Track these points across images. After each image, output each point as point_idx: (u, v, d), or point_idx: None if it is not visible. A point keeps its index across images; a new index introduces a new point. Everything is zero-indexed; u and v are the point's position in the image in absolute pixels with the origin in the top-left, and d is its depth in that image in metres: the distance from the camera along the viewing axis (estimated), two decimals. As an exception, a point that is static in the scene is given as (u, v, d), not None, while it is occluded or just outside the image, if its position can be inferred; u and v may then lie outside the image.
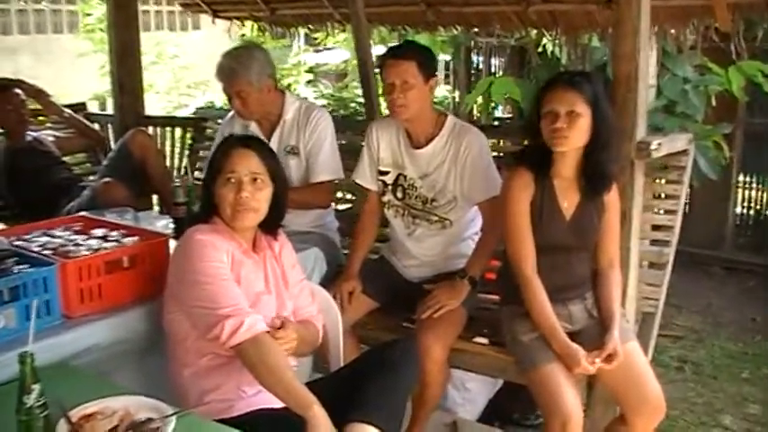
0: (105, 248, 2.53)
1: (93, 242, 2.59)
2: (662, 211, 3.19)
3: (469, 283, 2.96)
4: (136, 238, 2.62)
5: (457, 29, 5.27)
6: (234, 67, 3.22)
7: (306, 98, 12.23)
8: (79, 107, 5.68)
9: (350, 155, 3.46)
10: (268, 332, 2.18)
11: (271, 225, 2.43)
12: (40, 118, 5.12)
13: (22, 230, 2.78)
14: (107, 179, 4.17)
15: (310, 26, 6.10)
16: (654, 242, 3.17)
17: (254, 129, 3.40)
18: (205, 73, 12.56)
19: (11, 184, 4.48)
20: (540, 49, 5.69)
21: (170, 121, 5.41)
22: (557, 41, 4.90)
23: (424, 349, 2.75)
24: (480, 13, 4.73)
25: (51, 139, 4.77)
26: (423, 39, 5.99)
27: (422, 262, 3.18)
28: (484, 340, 2.98)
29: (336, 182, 3.49)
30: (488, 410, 3.82)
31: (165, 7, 14.73)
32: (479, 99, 7.01)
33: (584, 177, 2.66)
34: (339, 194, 4.42)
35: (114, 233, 2.68)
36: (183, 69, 11.82)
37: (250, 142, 2.39)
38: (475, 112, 9.09)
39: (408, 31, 5.70)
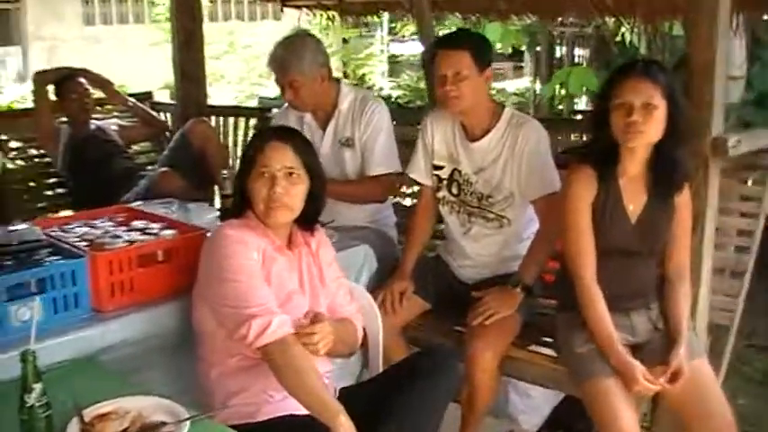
0: (141, 241, 2.48)
1: (131, 234, 2.55)
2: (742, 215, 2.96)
3: (522, 290, 2.80)
4: (174, 231, 2.57)
5: (530, 17, 5.09)
6: (285, 56, 3.14)
7: (367, 88, 12.28)
8: (145, 96, 5.73)
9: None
10: (297, 333, 2.08)
11: (307, 221, 2.33)
12: (107, 107, 5.16)
13: (64, 220, 2.77)
14: (164, 169, 4.17)
15: (380, 15, 6.00)
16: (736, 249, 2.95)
17: (308, 120, 3.33)
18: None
19: (73, 173, 4.54)
20: (618, 38, 5.45)
21: (233, 111, 5.39)
22: (635, 30, 4.67)
23: (472, 357, 2.64)
24: (554, 0, 4.54)
25: (115, 128, 4.80)
26: (494, 28, 5.82)
27: (477, 262, 3.04)
28: (543, 349, 2.82)
29: (395, 175, 3.37)
30: (551, 419, 3.64)
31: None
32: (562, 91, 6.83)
33: (654, 176, 2.46)
34: (410, 190, 4.30)
35: (155, 225, 2.63)
36: (255, 59, 11.91)
37: (286, 135, 2.28)
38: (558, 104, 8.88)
39: (480, 20, 5.54)
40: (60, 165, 4.59)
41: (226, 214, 2.58)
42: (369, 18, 6.45)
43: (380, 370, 2.55)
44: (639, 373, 2.34)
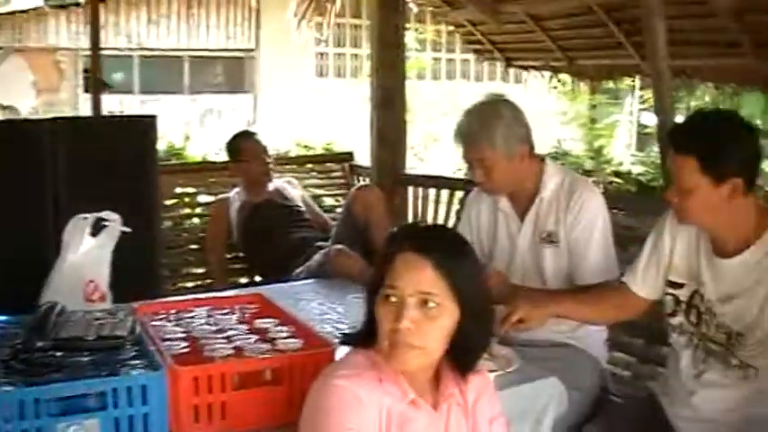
0: (251, 350, 2.03)
1: (248, 338, 2.11)
2: None
3: None
4: (298, 343, 2.08)
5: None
6: (474, 128, 2.61)
7: (604, 162, 11.25)
8: (345, 157, 5.48)
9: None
10: None
11: (460, 364, 1.73)
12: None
13: (185, 305, 2.42)
14: (339, 246, 3.75)
15: (617, 80, 5.41)
16: None
17: (504, 206, 2.77)
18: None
19: (246, 242, 4.31)
20: None
21: (433, 182, 4.87)
22: None
23: None
24: None
25: (298, 190, 4.51)
26: (755, 99, 5.02)
27: (705, 418, 2.28)
28: None
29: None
30: None
31: (457, 55, 14.62)
32: None
33: None
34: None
35: (282, 329, 2.18)
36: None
37: (427, 243, 1.66)
38: None
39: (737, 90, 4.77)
40: (234, 234, 4.32)
41: (349, 340, 1.88)
42: (618, 83, 5.87)
43: None
44: None
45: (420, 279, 1.59)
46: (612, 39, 4.85)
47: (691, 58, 4.46)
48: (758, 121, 7.80)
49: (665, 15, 3.70)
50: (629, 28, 4.60)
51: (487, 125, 2.59)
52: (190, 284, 4.63)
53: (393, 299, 1.60)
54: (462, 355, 1.68)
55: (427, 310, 1.59)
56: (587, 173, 11.12)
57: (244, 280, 4.52)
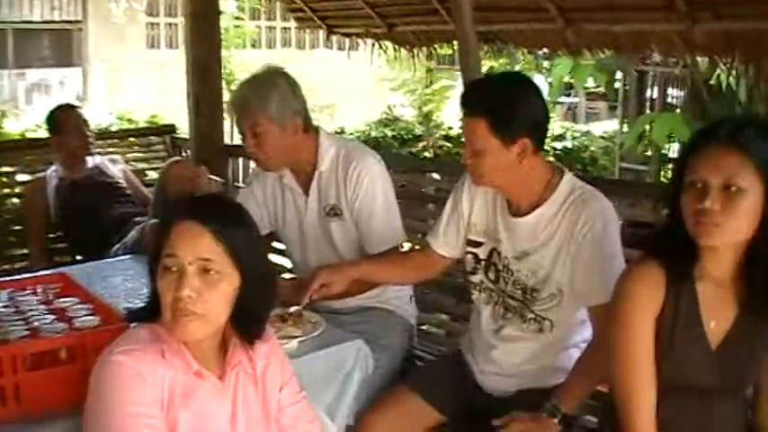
0: (46, 331, 1.97)
1: (45, 318, 2.05)
2: None
3: (561, 423, 2.14)
4: (95, 320, 2.04)
5: (604, 52, 4.45)
6: (248, 97, 2.59)
7: (434, 126, 11.40)
8: (167, 129, 5.37)
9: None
10: None
11: (246, 332, 1.74)
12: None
13: None
14: (155, 221, 3.68)
15: (434, 46, 5.49)
16: None
17: (288, 181, 2.78)
18: (333, 95, 12.20)
19: (65, 220, 4.13)
20: (713, 81, 4.76)
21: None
22: (733, 72, 3.98)
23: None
24: (633, 33, 3.94)
25: (121, 165, 4.39)
26: (565, 63, 5.24)
27: (505, 371, 2.40)
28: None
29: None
30: None
31: (292, 24, 14.56)
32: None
33: (747, 283, 1.80)
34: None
35: (82, 307, 2.13)
36: (309, 91, 11.49)
37: (205, 211, 1.66)
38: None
39: (549, 54, 4.96)
40: (53, 213, 4.15)
41: (133, 316, 1.85)
42: (438, 49, 5.95)
43: None
44: None
45: (199, 246, 1.59)
46: (428, 5, 4.94)
47: (502, 24, 4.60)
48: (567, 80, 8.20)
49: (473, -19, 3.80)
50: (442, -7, 4.70)
51: (261, 94, 2.57)
52: (16, 265, 4.43)
53: (173, 268, 1.59)
54: (247, 322, 1.70)
55: (208, 277, 1.59)
56: (417, 137, 11.33)
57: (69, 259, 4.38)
